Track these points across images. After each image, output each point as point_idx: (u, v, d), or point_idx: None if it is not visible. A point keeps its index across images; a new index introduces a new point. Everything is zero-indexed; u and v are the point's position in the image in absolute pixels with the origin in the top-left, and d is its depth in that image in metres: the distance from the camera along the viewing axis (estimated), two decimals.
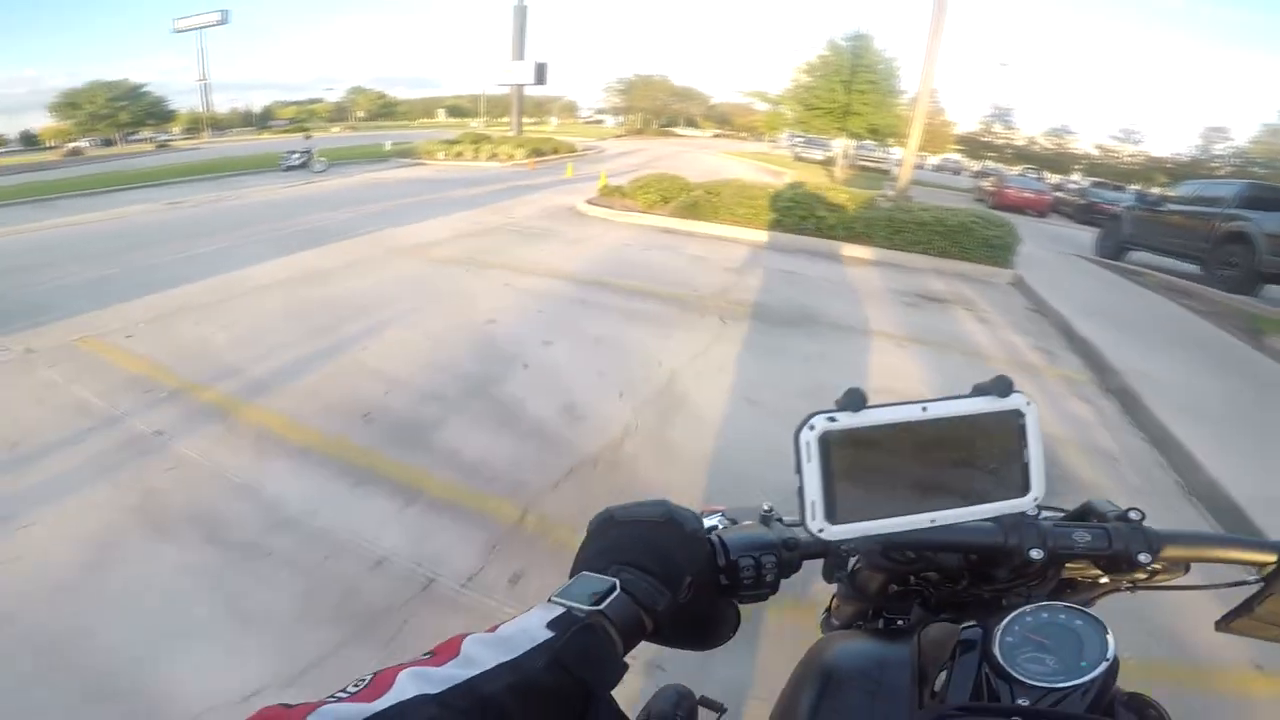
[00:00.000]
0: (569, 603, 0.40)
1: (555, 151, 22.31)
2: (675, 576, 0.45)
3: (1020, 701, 0.46)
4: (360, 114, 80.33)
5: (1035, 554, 0.53)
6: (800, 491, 0.44)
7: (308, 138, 20.23)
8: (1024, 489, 0.47)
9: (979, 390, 0.46)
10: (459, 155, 21.09)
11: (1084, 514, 0.59)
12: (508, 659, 0.36)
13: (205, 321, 4.79)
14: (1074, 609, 0.50)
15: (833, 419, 0.44)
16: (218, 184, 16.60)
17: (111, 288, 5.67)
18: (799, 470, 0.44)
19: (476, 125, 51.82)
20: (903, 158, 13.89)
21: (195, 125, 58.71)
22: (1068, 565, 0.57)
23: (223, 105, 74.85)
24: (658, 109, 54.75)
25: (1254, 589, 0.54)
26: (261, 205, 11.84)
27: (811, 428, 0.44)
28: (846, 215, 8.72)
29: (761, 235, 8.94)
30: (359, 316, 4.93)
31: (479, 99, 62.10)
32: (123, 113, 50.62)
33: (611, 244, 8.11)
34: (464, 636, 0.38)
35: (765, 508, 0.57)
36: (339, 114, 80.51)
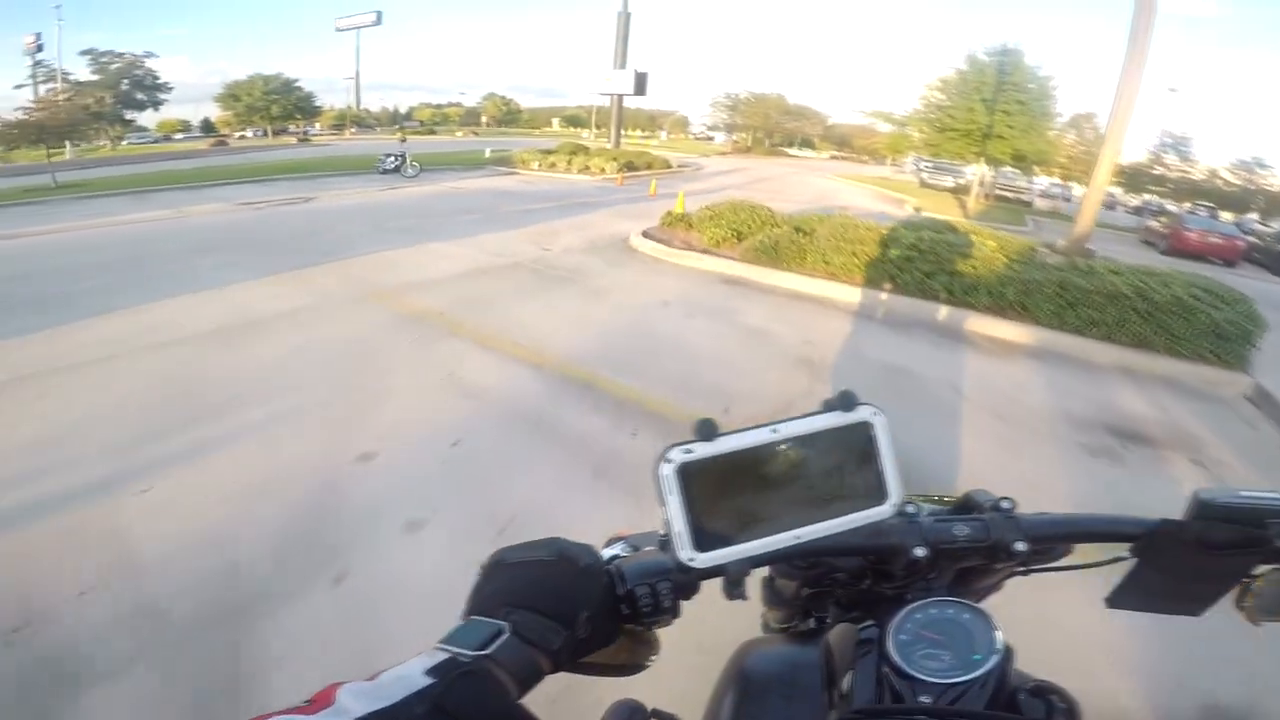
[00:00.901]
0: (453, 649, 0.39)
1: (649, 166, 20.94)
2: (570, 613, 0.45)
3: (922, 699, 0.47)
4: (486, 119, 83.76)
5: (919, 551, 0.54)
6: (667, 524, 0.45)
7: (403, 140, 20.14)
8: (882, 496, 0.49)
9: (826, 406, 0.47)
10: (552, 166, 20.20)
11: (966, 506, 0.61)
12: (381, 707, 0.35)
13: None
14: (961, 604, 0.53)
15: (689, 450, 0.45)
16: (309, 184, 16.57)
17: None
18: (663, 504, 0.45)
19: (587, 136, 52.02)
20: (1084, 195, 10.92)
21: (341, 121, 63.31)
22: (960, 557, 0.57)
23: (374, 104, 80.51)
24: (770, 127, 52.18)
25: (1131, 565, 0.58)
26: (318, 212, 11.26)
27: (669, 461, 0.44)
28: (993, 273, 6.06)
29: (864, 297, 6.48)
30: (206, 417, 3.40)
31: (593, 111, 62.51)
32: (274, 106, 55.08)
33: (647, 300, 6.08)
34: (340, 685, 0.36)
35: (663, 534, 0.52)
36: (469, 118, 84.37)
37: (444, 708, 0.36)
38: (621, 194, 14.53)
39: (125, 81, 48.18)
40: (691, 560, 0.46)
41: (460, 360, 4.29)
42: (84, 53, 47.41)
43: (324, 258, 7.10)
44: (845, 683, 0.52)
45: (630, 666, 0.54)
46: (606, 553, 0.54)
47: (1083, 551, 0.61)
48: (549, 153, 21.45)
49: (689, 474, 0.45)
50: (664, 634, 0.56)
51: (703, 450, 0.45)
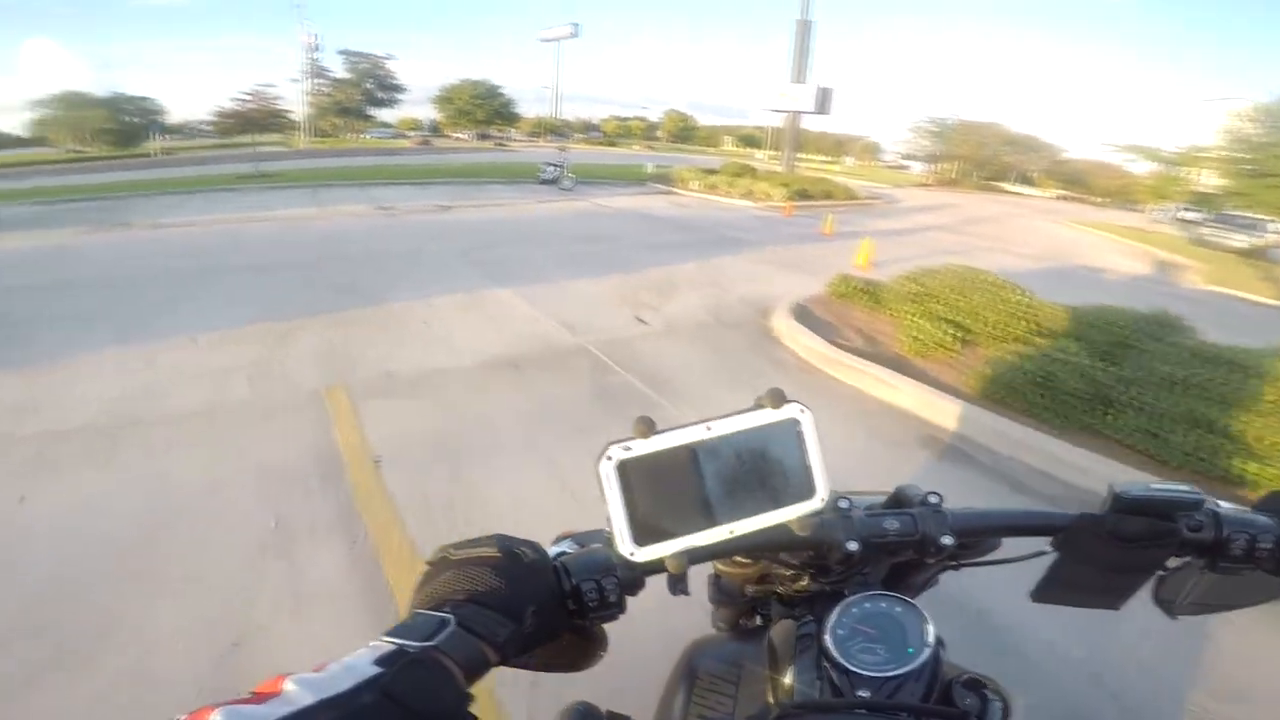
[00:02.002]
0: (399, 640, 0.39)
1: (827, 196, 17.93)
2: (515, 608, 0.45)
3: (860, 692, 0.49)
4: (663, 134, 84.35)
5: (851, 545, 0.55)
6: (608, 520, 0.47)
7: (563, 150, 19.24)
8: (811, 491, 0.49)
9: (757, 403, 0.48)
10: (712, 188, 18.11)
11: (897, 501, 0.61)
12: (329, 695, 0.35)
13: None
14: (894, 598, 0.54)
15: (627, 447, 0.46)
16: (466, 190, 16.16)
17: None
18: (604, 500, 0.46)
19: (761, 157, 49.35)
20: None
21: (537, 130, 67.05)
22: (893, 551, 0.58)
23: (571, 114, 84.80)
24: (981, 159, 44.85)
25: (1053, 559, 0.59)
26: (437, 226, 10.20)
27: (609, 458, 0.46)
28: None
29: None
30: None
31: (769, 131, 59.52)
32: (479, 110, 59.48)
33: None
34: (286, 676, 0.36)
35: (608, 531, 0.53)
36: (650, 132, 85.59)
37: (392, 695, 0.36)
38: (787, 228, 11.97)
39: (370, 80, 54.35)
40: (632, 554, 0.47)
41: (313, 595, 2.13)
42: (341, 52, 54.29)
43: (345, 301, 5.53)
44: (788, 677, 0.53)
45: (580, 663, 0.54)
46: (553, 550, 0.53)
47: (1014, 546, 0.62)
48: (711, 172, 19.40)
49: (628, 471, 0.46)
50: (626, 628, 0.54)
51: (641, 447, 0.46)
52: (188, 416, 3.35)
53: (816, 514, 0.50)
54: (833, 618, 0.53)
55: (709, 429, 0.47)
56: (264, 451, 3.00)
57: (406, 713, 0.35)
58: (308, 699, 0.34)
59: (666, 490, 0.47)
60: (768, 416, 0.48)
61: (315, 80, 52.84)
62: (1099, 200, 41.49)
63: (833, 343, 4.66)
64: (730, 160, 23.70)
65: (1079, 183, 46.21)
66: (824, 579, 0.60)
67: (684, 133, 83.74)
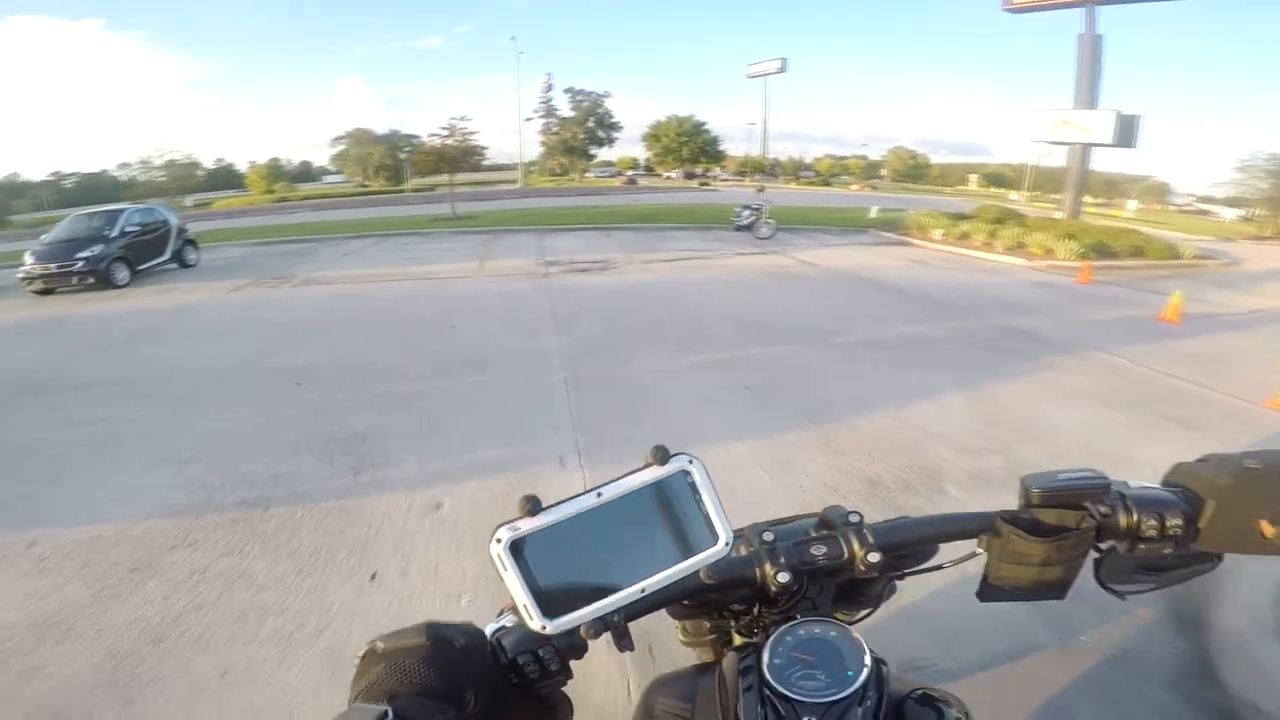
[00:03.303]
0: None
1: (1136, 253, 12.64)
2: (454, 692, 0.45)
3: (806, 719, 0.48)
4: (887, 173, 77.30)
5: (783, 578, 0.56)
6: (513, 598, 0.47)
7: (760, 190, 16.34)
8: (715, 538, 0.49)
9: (645, 463, 0.48)
10: (963, 238, 13.95)
11: (824, 523, 0.62)
12: None
13: None
14: (827, 621, 0.54)
15: (515, 528, 0.46)
16: (649, 237, 14.35)
17: None
18: (504, 581, 0.46)
19: (1016, 199, 41.48)
20: None
21: (743, 169, 65.48)
22: (832, 574, 0.59)
23: (781, 152, 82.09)
24: None
25: (984, 559, 0.59)
26: (587, 298, 7.88)
27: (498, 540, 0.45)
28: None
29: None
30: None
31: (1026, 170, 50.35)
32: (684, 148, 59.45)
33: None
34: None
35: None
36: (870, 171, 79.05)
37: None
38: (1094, 308, 7.71)
39: (591, 119, 57.17)
40: (544, 628, 0.47)
41: None
42: (567, 90, 57.17)
43: (305, 487, 3.37)
44: (738, 711, 0.52)
45: None
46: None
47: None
48: (962, 218, 15.15)
49: (522, 549, 0.46)
50: None
51: (529, 525, 0.46)
52: None
53: (724, 557, 0.51)
54: (768, 648, 0.53)
55: (599, 495, 0.47)
56: None
57: None
58: None
59: (569, 560, 0.48)
60: (655, 474, 0.48)
61: (546, 120, 57.05)
62: None
63: None
64: (982, 205, 18.69)
65: None
66: (772, 609, 0.60)
67: (914, 171, 75.94)
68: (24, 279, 9.31)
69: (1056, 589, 0.57)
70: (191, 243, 11.94)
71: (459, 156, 18.92)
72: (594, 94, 56.60)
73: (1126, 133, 17.02)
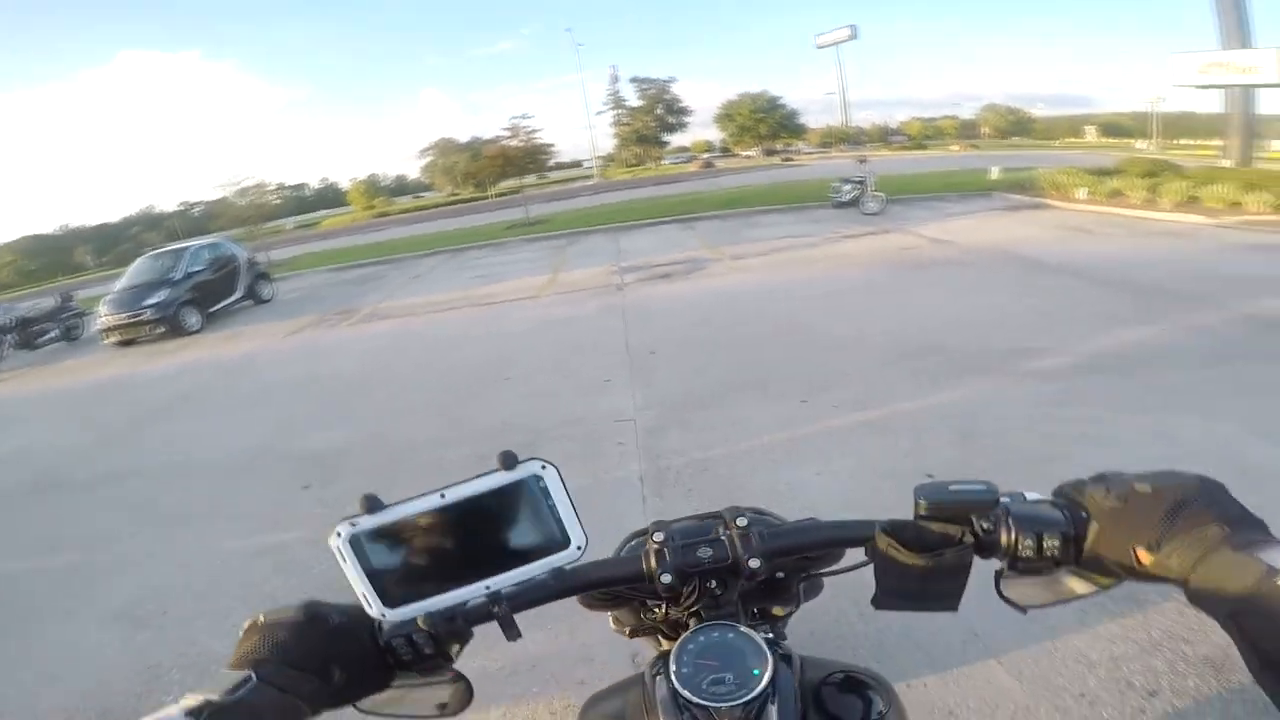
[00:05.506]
0: (204, 695, 0.41)
1: None
2: (319, 664, 0.47)
3: None
4: (987, 131, 69.99)
5: (666, 578, 0.55)
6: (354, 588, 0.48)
7: (863, 161, 14.15)
8: (566, 541, 0.51)
9: (492, 469, 0.50)
10: (1114, 194, 11.37)
11: (723, 524, 0.60)
12: None
13: None
14: (725, 625, 0.55)
15: (354, 523, 0.48)
16: (739, 225, 12.91)
17: None
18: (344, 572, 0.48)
19: (1143, 148, 35.88)
20: None
21: (828, 140, 61.19)
22: (709, 574, 0.58)
23: (863, 120, 76.46)
24: None
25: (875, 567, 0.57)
26: (671, 325, 6.53)
27: (338, 534, 0.48)
28: None
29: None
30: None
31: (1149, 117, 43.49)
32: (761, 125, 56.32)
33: None
34: None
35: None
36: (966, 131, 71.83)
37: None
38: None
39: (660, 106, 55.56)
40: (382, 616, 0.49)
41: None
42: (633, 80, 55.93)
43: None
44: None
45: (442, 713, 0.55)
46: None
47: None
48: (1106, 173, 12.39)
49: (364, 543, 0.49)
50: None
51: (367, 522, 0.48)
52: None
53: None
54: (674, 659, 0.53)
55: (442, 496, 0.49)
56: None
57: None
58: None
59: (412, 556, 0.50)
60: (502, 478, 0.49)
61: (616, 111, 55.98)
62: None
63: None
64: (1124, 158, 15.52)
65: None
66: (677, 607, 0.60)
67: (1016, 126, 68.35)
68: (102, 331, 9.20)
69: (945, 601, 0.54)
70: (265, 275, 11.66)
71: (523, 157, 18.05)
72: (659, 81, 54.96)
73: None
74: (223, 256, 10.74)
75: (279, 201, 24.36)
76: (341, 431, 4.28)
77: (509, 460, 0.49)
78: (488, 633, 0.53)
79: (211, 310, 9.93)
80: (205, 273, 10.15)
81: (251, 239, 15.12)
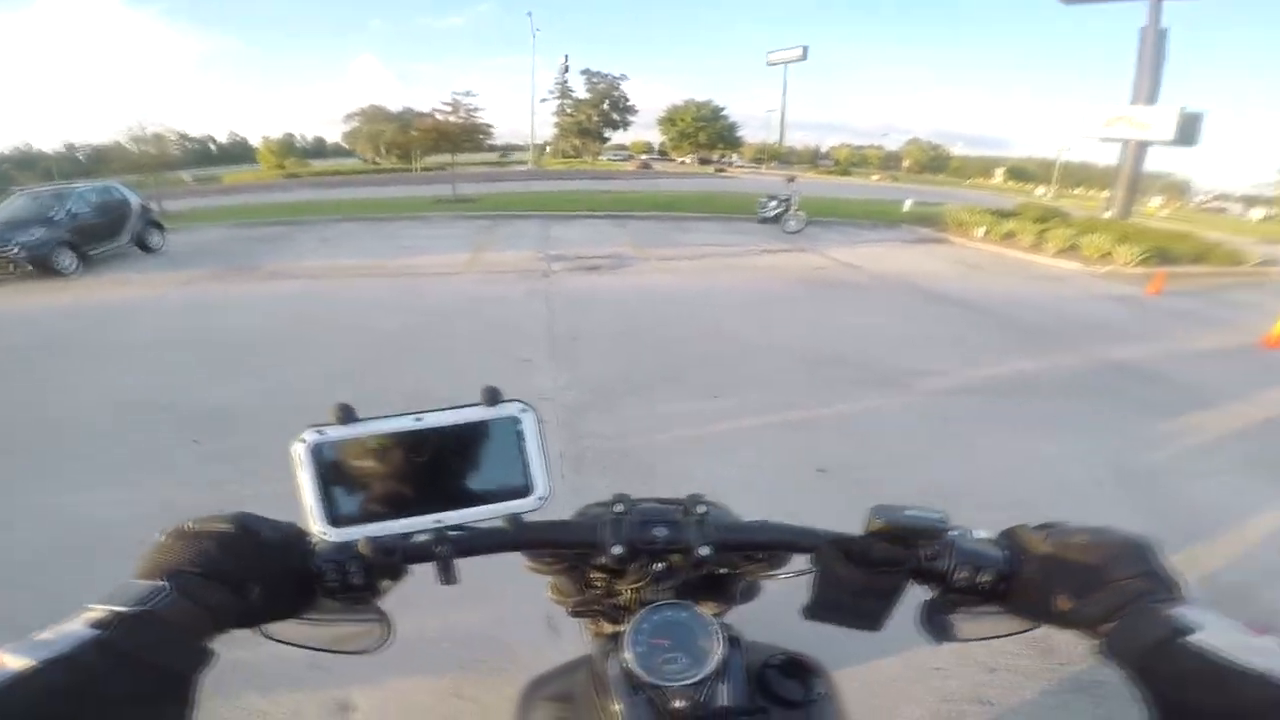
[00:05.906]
0: (111, 606, 0.38)
1: (1198, 258, 11.13)
2: (238, 579, 0.45)
3: (677, 704, 0.49)
4: (908, 164, 74.84)
5: (616, 549, 0.55)
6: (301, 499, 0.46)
7: (791, 180, 14.89)
8: (529, 490, 0.50)
9: (475, 402, 0.48)
10: (1007, 236, 12.58)
11: (684, 509, 0.60)
12: (49, 657, 0.34)
13: None
14: (677, 605, 0.55)
15: (321, 432, 0.46)
16: (668, 230, 13.10)
17: None
18: (298, 482, 0.46)
19: (1042, 194, 39.75)
20: None
21: (760, 156, 63.20)
22: (661, 556, 0.58)
23: (796, 140, 79.64)
24: None
25: (815, 576, 0.56)
26: (595, 317, 6.63)
27: (303, 440, 0.46)
28: None
29: None
30: None
31: (1053, 165, 48.48)
32: (701, 133, 57.43)
33: None
34: None
35: None
36: (889, 162, 76.43)
37: (117, 651, 0.36)
38: (1182, 329, 6.34)
39: (606, 101, 55.33)
40: (324, 534, 0.47)
41: None
42: (583, 72, 55.49)
43: None
44: (613, 703, 0.52)
45: (355, 650, 0.54)
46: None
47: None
48: (1005, 215, 13.70)
49: (325, 454, 0.46)
50: None
51: (336, 433, 0.46)
52: None
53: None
54: (627, 638, 0.53)
55: (419, 420, 0.47)
56: None
57: (137, 666, 0.36)
58: (25, 663, 0.33)
59: (368, 477, 0.47)
60: (483, 413, 0.48)
61: (561, 101, 55.23)
62: None
63: None
64: (1022, 202, 17.15)
65: None
66: (621, 581, 0.60)
67: (934, 162, 73.47)
68: None
69: (873, 620, 0.54)
70: (156, 224, 10.69)
71: (460, 134, 17.49)
72: (610, 76, 54.82)
73: (1188, 131, 16.13)
74: (113, 201, 9.84)
75: (179, 154, 22.16)
76: (235, 390, 4.06)
77: (492, 396, 0.48)
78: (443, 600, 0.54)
79: (91, 254, 9.02)
80: (89, 215, 9.23)
81: (145, 187, 13.78)
